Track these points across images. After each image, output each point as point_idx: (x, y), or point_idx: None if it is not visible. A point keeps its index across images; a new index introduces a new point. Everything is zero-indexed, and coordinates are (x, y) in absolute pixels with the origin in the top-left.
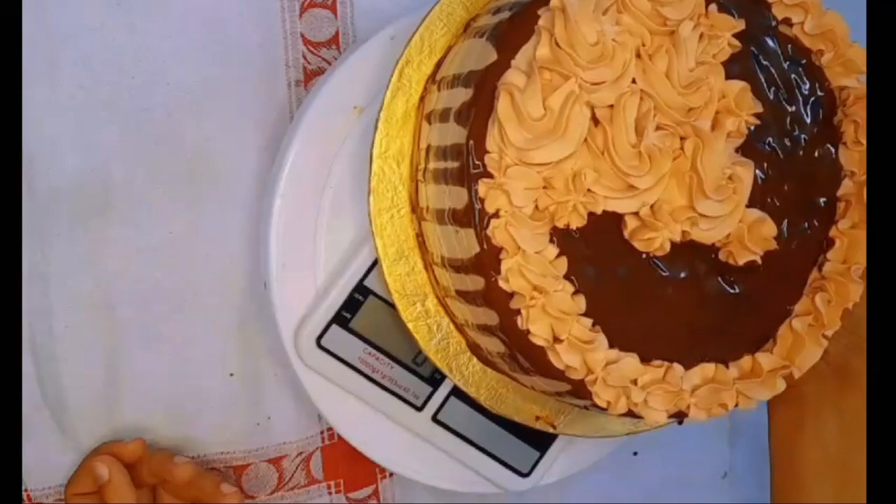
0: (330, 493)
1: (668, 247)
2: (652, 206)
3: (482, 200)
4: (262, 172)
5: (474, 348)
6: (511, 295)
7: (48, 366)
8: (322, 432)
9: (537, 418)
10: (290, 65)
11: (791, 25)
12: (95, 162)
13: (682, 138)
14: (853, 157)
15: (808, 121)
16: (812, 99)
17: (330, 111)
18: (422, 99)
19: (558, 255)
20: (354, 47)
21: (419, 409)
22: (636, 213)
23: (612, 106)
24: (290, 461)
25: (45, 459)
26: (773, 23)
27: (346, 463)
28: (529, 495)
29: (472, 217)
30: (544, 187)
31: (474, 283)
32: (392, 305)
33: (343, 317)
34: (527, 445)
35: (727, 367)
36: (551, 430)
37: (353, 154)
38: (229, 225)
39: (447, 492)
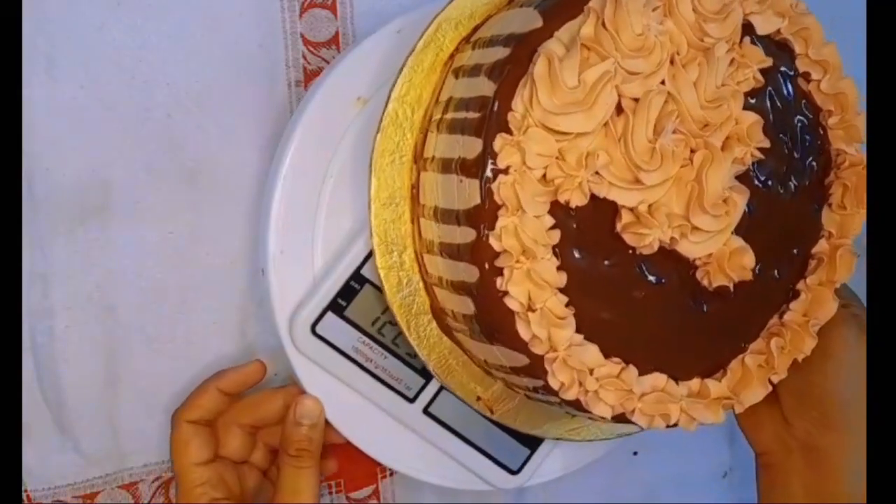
0: (330, 493)
1: (656, 246)
2: (650, 205)
3: (495, 154)
4: (262, 172)
5: (437, 313)
6: (498, 254)
7: (48, 366)
8: None
9: (478, 398)
10: (290, 65)
11: (809, 81)
12: (95, 162)
13: (692, 150)
14: (834, 219)
15: (804, 173)
16: (811, 154)
17: (334, 101)
18: (451, 57)
19: (553, 227)
20: (360, 39)
21: (411, 400)
22: (632, 210)
23: (637, 100)
24: None
25: (45, 459)
26: (794, 73)
27: (346, 463)
28: (529, 494)
29: (480, 168)
30: (557, 158)
31: (464, 235)
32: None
33: (338, 304)
34: (517, 443)
35: (677, 383)
36: (489, 415)
37: (354, 145)
38: (229, 225)
39: (447, 491)
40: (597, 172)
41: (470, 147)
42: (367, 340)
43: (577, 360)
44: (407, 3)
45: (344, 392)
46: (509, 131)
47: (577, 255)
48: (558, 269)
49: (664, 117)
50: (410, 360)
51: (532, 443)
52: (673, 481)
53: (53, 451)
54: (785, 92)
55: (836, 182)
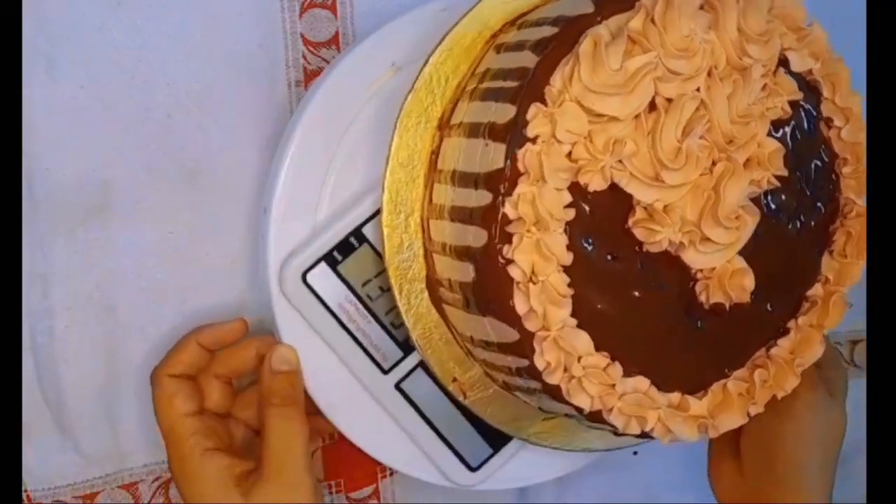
0: (330, 493)
1: (665, 245)
2: (665, 206)
3: (526, 122)
4: (262, 172)
5: (432, 283)
6: (509, 220)
7: (48, 366)
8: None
9: (454, 380)
10: (290, 65)
11: (830, 126)
12: (95, 162)
13: (713, 162)
14: (833, 266)
15: (812, 213)
16: (822, 197)
17: (365, 63)
18: (494, 37)
19: (569, 205)
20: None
21: (385, 371)
22: (646, 208)
23: (670, 100)
24: None
25: (45, 459)
26: (817, 115)
27: (346, 463)
28: (530, 495)
29: (509, 133)
30: (585, 138)
31: (479, 198)
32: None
33: (334, 258)
34: (481, 440)
35: (659, 391)
36: (461, 399)
37: (379, 106)
38: (229, 225)
39: (447, 491)
40: (620, 161)
41: (502, 113)
42: (355, 301)
43: (567, 344)
44: (407, 3)
45: (319, 352)
46: (545, 103)
47: (585, 240)
48: (567, 248)
49: (694, 121)
50: (393, 330)
51: (497, 443)
52: (673, 482)
53: (53, 451)
54: (807, 131)
55: (841, 229)
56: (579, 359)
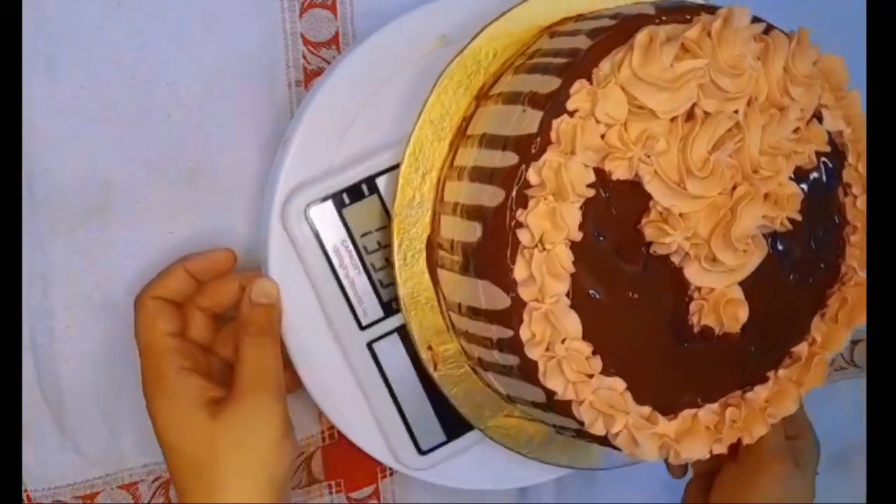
0: (330, 493)
1: (673, 248)
2: (681, 213)
3: (569, 95)
4: (262, 172)
5: (431, 246)
6: (530, 185)
7: (48, 366)
8: (322, 432)
9: (430, 348)
10: (290, 65)
11: (847, 193)
12: (95, 162)
13: (735, 185)
14: (822, 328)
15: (813, 270)
16: (826, 258)
17: (413, 30)
18: (549, 26)
19: (590, 185)
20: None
21: (362, 327)
22: (661, 211)
23: (708, 114)
24: None
25: (45, 459)
26: (838, 178)
27: (346, 463)
28: (530, 495)
29: (549, 102)
30: (621, 125)
31: (504, 159)
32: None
33: (342, 199)
34: (438, 424)
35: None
36: (431, 370)
37: (423, 73)
38: (229, 225)
39: (447, 491)
40: (648, 156)
41: (546, 84)
42: (350, 248)
43: (557, 320)
44: (407, 4)
45: (301, 292)
46: (590, 82)
47: (596, 226)
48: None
49: (727, 138)
50: (380, 288)
51: (452, 433)
52: (673, 481)
53: (53, 451)
54: (825, 189)
55: (838, 294)
56: (563, 341)
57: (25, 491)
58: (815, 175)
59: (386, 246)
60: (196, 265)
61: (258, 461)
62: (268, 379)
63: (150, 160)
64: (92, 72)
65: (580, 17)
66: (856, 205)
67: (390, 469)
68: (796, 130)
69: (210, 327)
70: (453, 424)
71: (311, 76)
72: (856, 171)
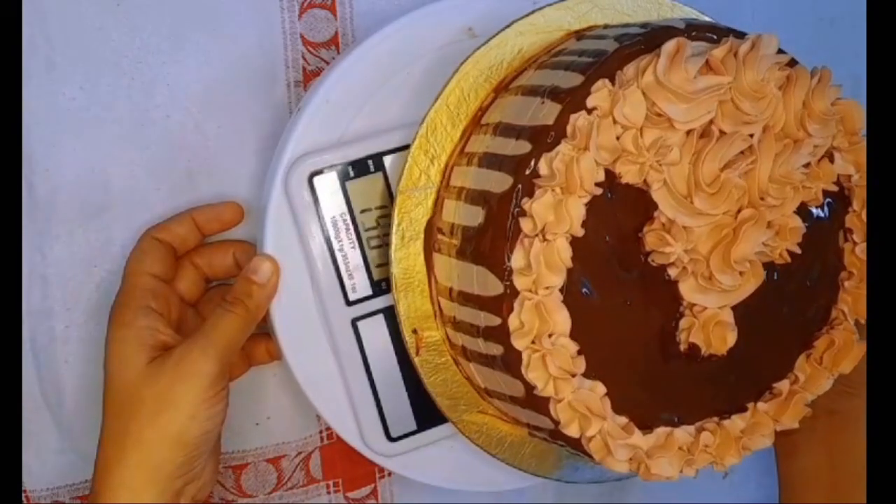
0: (329, 493)
1: (673, 259)
2: (684, 227)
3: (590, 92)
4: (262, 172)
5: (430, 230)
6: (539, 175)
7: (48, 366)
8: (321, 432)
9: (415, 331)
10: (289, 65)
11: (847, 239)
12: (95, 162)
13: (740, 209)
14: (806, 368)
15: (805, 308)
16: (818, 299)
17: (441, 20)
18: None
19: (597, 184)
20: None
21: (349, 303)
22: (664, 223)
23: (724, 133)
24: (290, 461)
25: (45, 459)
26: (841, 222)
27: (344, 463)
28: (530, 495)
29: (569, 97)
30: (637, 129)
31: (516, 148)
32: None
33: (347, 172)
34: (411, 413)
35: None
36: (413, 353)
37: (444, 60)
38: None
39: (447, 492)
40: (659, 164)
41: (568, 79)
42: (349, 221)
43: (548, 313)
44: (407, 4)
45: (293, 261)
46: (612, 82)
47: (596, 226)
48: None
49: (740, 158)
50: (372, 267)
51: (424, 423)
52: (675, 484)
53: (53, 451)
54: (827, 231)
55: (826, 336)
56: (551, 336)
57: (25, 491)
58: (819, 214)
59: (383, 226)
60: (203, 214)
61: (171, 416)
62: (216, 341)
63: (150, 161)
64: (91, 73)
65: (608, 26)
66: (854, 251)
67: (388, 470)
68: (807, 166)
69: (198, 285)
70: (426, 415)
71: (310, 76)
72: (859, 218)
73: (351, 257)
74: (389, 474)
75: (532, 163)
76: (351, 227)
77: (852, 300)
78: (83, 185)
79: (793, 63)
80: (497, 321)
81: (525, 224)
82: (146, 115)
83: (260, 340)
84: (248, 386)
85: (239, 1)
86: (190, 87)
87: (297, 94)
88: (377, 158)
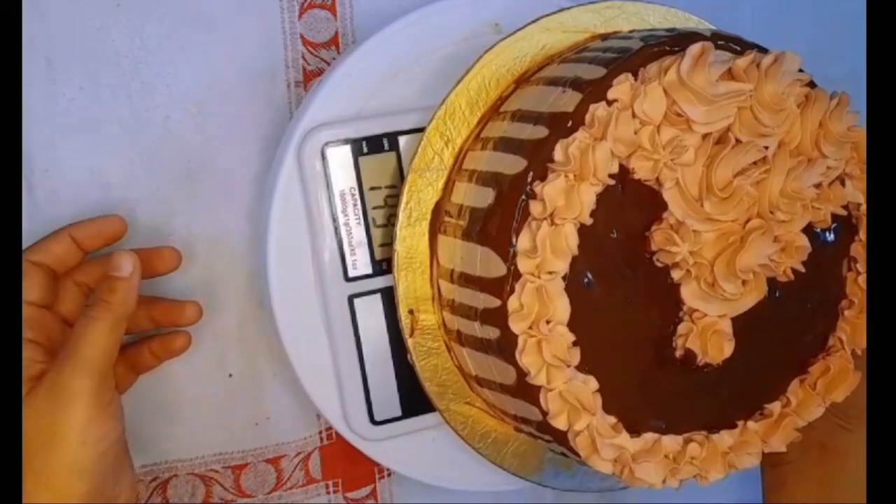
0: (328, 493)
1: (678, 259)
2: (693, 230)
3: (611, 85)
4: (262, 172)
5: (437, 211)
6: (553, 159)
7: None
8: (321, 432)
9: (411, 312)
10: (289, 65)
11: (850, 268)
12: (95, 162)
13: (749, 219)
14: (798, 393)
15: (804, 332)
16: (817, 324)
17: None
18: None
19: (610, 176)
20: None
21: (347, 279)
22: (672, 224)
23: (740, 142)
24: (289, 461)
25: None
26: (846, 250)
27: (344, 463)
28: (526, 495)
29: (591, 87)
30: (655, 126)
31: (533, 133)
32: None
33: (360, 147)
34: (397, 399)
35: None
36: (406, 334)
37: (468, 52)
38: (229, 225)
39: (446, 492)
40: (673, 162)
41: (591, 72)
42: (357, 197)
43: (549, 299)
44: (407, 4)
45: (296, 233)
46: (635, 76)
47: (605, 218)
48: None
49: (753, 167)
50: (375, 246)
51: (409, 411)
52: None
53: None
54: (832, 257)
55: (821, 363)
56: (549, 322)
57: None
58: (825, 238)
59: (390, 206)
60: (81, 231)
61: (60, 448)
62: (85, 354)
63: (150, 161)
64: (91, 73)
65: (634, 30)
66: (857, 281)
67: (388, 470)
68: (819, 185)
69: (82, 305)
70: (412, 403)
71: (310, 76)
72: (861, 244)
73: (355, 233)
74: (389, 475)
75: (548, 147)
76: (359, 202)
77: (851, 329)
78: (83, 185)
79: (812, 85)
80: (496, 303)
81: (535, 207)
82: (146, 115)
83: (141, 345)
84: (248, 386)
85: (239, 1)
86: (190, 87)
87: (297, 94)
88: (392, 137)
